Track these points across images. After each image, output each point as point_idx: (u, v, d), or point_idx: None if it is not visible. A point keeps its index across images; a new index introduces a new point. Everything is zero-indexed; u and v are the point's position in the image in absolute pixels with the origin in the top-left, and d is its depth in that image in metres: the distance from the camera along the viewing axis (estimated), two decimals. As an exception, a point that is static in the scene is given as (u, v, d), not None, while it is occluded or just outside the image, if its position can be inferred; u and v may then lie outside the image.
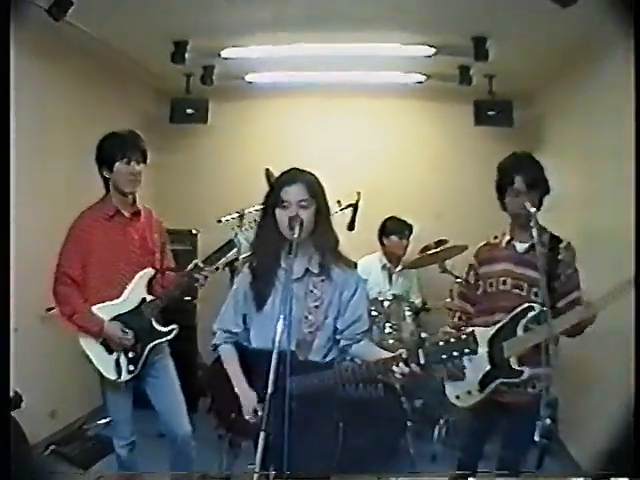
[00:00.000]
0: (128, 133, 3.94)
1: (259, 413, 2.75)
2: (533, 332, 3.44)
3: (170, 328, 3.95)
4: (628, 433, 3.14)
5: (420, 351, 2.63)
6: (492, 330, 3.53)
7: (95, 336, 3.78)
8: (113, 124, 4.96)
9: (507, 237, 3.70)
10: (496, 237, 3.79)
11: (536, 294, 3.52)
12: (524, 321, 3.46)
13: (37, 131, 4.93)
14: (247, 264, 3.09)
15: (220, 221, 4.95)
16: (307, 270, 2.93)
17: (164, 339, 3.95)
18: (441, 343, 2.61)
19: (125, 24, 5.04)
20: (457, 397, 3.70)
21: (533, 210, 3.33)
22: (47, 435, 4.98)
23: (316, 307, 2.90)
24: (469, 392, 3.61)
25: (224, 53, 5.89)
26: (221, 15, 4.92)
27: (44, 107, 5.09)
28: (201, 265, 3.85)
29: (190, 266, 3.88)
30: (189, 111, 6.63)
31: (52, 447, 4.72)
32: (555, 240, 3.60)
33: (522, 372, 3.43)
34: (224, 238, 4.28)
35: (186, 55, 5.65)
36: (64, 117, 5.44)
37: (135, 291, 3.88)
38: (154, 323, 3.91)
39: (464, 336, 2.60)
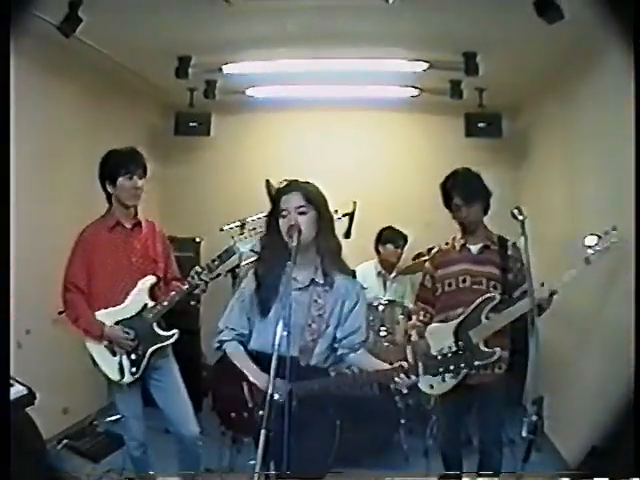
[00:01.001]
0: (129, 150, 4.05)
1: (260, 412, 2.77)
2: (495, 319, 3.79)
3: (171, 333, 4.03)
4: (613, 428, 3.33)
5: (420, 365, 2.78)
6: (455, 323, 3.87)
7: (97, 339, 3.91)
8: (120, 137, 5.14)
9: (461, 242, 4.04)
10: (447, 243, 4.13)
11: (495, 287, 3.89)
12: (486, 310, 3.81)
13: (43, 142, 5.06)
14: (252, 270, 3.15)
15: (222, 229, 5.07)
16: (312, 280, 2.99)
17: (165, 343, 4.01)
18: (439, 357, 2.80)
19: (131, 40, 5.16)
20: (431, 386, 3.92)
21: (521, 217, 3.51)
22: (60, 430, 5.13)
23: (319, 316, 2.98)
24: (443, 379, 3.76)
25: (226, 68, 5.99)
26: (223, 32, 5.03)
27: (52, 119, 5.22)
28: (199, 271, 3.96)
29: (190, 274, 3.99)
30: (192, 124, 6.74)
31: (65, 441, 4.85)
32: (503, 240, 4.00)
33: (494, 353, 3.76)
34: (226, 245, 4.44)
35: (189, 70, 5.74)
36: (72, 129, 5.56)
37: (137, 297, 3.98)
38: (155, 328, 3.98)
39: (460, 352, 2.82)
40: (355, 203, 5.60)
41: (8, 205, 2.92)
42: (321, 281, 3.00)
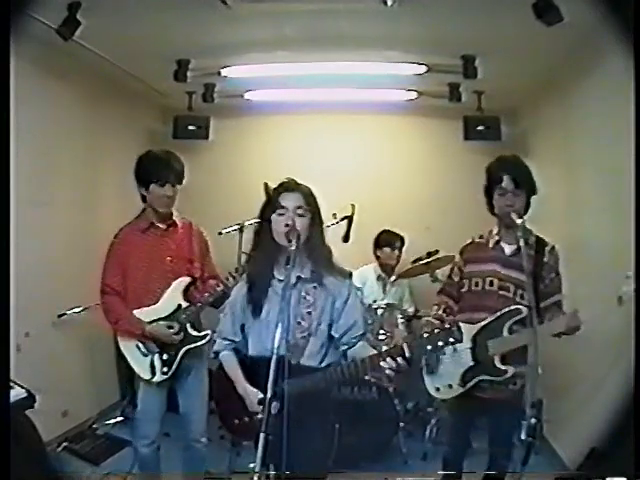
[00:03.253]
0: (165, 155, 4.07)
1: (259, 416, 2.74)
2: (518, 334, 3.49)
3: (204, 333, 4.04)
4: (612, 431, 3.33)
5: (405, 345, 2.68)
6: (477, 327, 3.58)
7: (138, 337, 3.94)
8: (119, 140, 5.13)
9: (495, 238, 3.74)
10: (481, 236, 3.83)
11: (522, 296, 3.56)
12: (510, 323, 3.51)
13: (41, 146, 5.05)
14: (244, 273, 3.16)
15: (221, 233, 5.08)
16: (299, 277, 2.96)
17: (198, 343, 4.02)
18: (425, 335, 2.67)
19: (130, 44, 5.15)
20: (437, 389, 3.77)
21: (519, 221, 3.43)
22: (59, 433, 5.12)
23: (309, 313, 2.95)
24: (450, 386, 3.67)
25: (224, 72, 6.00)
26: (221, 35, 5.04)
27: (50, 122, 5.22)
28: (235, 275, 3.94)
29: (226, 275, 4.00)
30: (191, 127, 6.73)
31: (64, 444, 4.86)
32: (541, 243, 3.66)
33: (506, 371, 3.50)
34: (224, 249, 4.44)
35: (188, 74, 5.74)
36: (70, 132, 5.56)
37: (171, 297, 4.01)
38: (189, 328, 4.01)
39: (447, 326, 2.73)
40: (354, 206, 5.63)
41: (8, 208, 2.94)
42: (308, 277, 2.98)
